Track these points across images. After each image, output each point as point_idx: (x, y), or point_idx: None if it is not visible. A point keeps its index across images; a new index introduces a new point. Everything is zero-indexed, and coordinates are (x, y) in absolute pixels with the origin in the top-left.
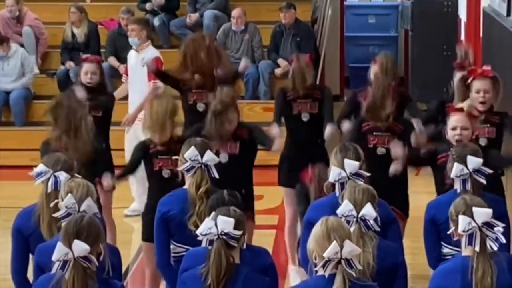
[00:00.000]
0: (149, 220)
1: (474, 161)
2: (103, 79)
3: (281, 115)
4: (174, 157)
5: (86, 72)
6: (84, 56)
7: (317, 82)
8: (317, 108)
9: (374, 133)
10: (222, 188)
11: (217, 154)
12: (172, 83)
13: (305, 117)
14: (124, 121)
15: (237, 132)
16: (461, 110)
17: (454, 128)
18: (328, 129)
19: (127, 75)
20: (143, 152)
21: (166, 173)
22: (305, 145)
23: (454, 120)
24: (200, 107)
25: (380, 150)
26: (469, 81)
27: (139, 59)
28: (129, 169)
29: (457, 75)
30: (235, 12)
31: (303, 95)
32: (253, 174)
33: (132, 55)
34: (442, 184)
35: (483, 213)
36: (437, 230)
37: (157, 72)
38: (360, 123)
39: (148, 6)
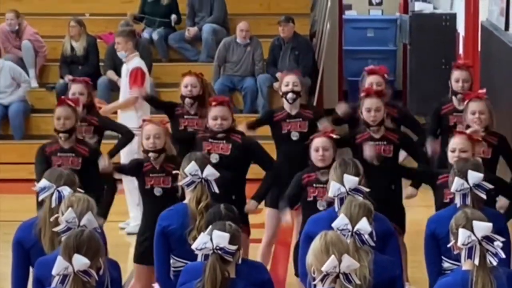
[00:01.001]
0: (139, 244)
1: (474, 176)
2: (91, 99)
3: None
4: (174, 172)
5: (74, 93)
6: (71, 77)
7: (315, 95)
8: (307, 127)
9: (370, 143)
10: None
11: (208, 154)
12: (164, 108)
13: (294, 136)
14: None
15: (231, 135)
16: (462, 132)
17: (453, 151)
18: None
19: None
20: (138, 168)
21: (158, 191)
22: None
23: (454, 142)
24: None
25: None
26: (464, 104)
27: (126, 70)
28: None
29: (455, 74)
30: (242, 25)
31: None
32: (245, 184)
33: (123, 68)
34: (441, 206)
35: (483, 227)
36: (437, 244)
37: (148, 98)
38: (355, 135)
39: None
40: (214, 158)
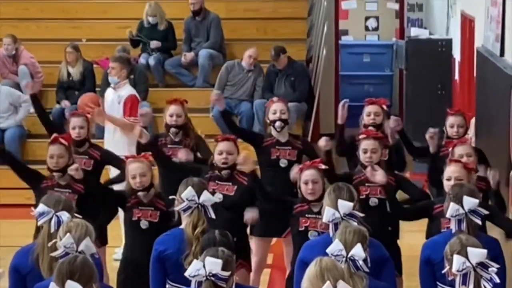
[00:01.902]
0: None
1: (470, 202)
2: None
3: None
4: (171, 197)
5: (74, 127)
6: (68, 103)
7: (312, 120)
8: (295, 156)
9: (367, 184)
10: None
11: (212, 193)
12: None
13: (283, 163)
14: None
15: (237, 176)
16: (458, 160)
17: (449, 179)
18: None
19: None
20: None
21: (144, 224)
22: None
23: (450, 170)
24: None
25: (373, 201)
26: (450, 149)
27: (116, 97)
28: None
29: (450, 119)
30: (251, 52)
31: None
32: (246, 224)
33: (109, 93)
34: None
35: (477, 254)
36: (432, 270)
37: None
38: (352, 175)
39: (152, 44)
40: (218, 197)
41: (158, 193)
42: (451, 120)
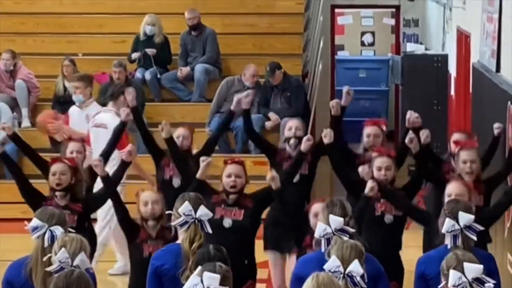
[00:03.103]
0: None
1: (465, 218)
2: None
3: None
4: (168, 212)
5: (72, 151)
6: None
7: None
8: (307, 170)
9: (382, 201)
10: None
11: (221, 219)
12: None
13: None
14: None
15: (242, 200)
16: (459, 179)
17: (449, 196)
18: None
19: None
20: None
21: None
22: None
23: (450, 187)
24: (176, 182)
25: (388, 218)
26: (455, 150)
27: (83, 116)
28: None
29: (462, 155)
30: (255, 71)
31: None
32: (255, 244)
33: (74, 111)
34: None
35: (474, 269)
36: (427, 285)
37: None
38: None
39: (133, 55)
40: (227, 223)
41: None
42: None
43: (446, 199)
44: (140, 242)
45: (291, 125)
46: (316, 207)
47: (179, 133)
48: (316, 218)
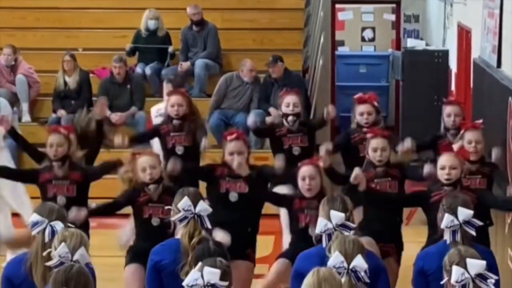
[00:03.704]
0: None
1: (464, 213)
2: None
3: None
4: (167, 207)
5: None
6: (64, 112)
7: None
8: (307, 141)
9: (376, 180)
10: (232, 226)
11: (226, 193)
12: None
13: (296, 151)
14: None
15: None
16: (451, 149)
17: (443, 168)
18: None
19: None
20: (134, 198)
21: (155, 221)
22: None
23: (443, 159)
24: (179, 150)
25: None
26: (461, 133)
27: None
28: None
29: (446, 109)
30: (252, 66)
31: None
32: (260, 215)
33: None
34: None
35: (476, 265)
36: (426, 280)
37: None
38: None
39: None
40: (234, 197)
41: (166, 187)
42: (448, 109)
43: (439, 172)
44: (140, 204)
45: (289, 101)
46: (303, 170)
47: (172, 102)
48: (303, 181)
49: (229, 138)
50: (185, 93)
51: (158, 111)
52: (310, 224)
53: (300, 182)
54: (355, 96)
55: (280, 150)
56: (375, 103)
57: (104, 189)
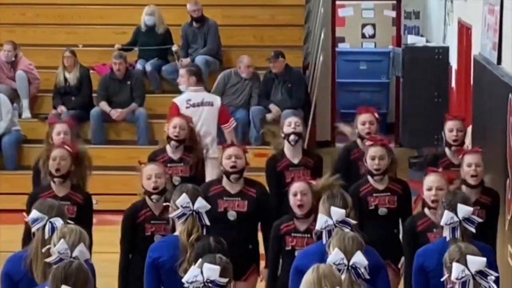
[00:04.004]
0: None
1: (464, 210)
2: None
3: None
4: (165, 204)
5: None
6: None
7: (308, 127)
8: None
9: (374, 195)
10: (231, 246)
11: (225, 212)
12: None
13: None
14: None
15: (245, 189)
16: (435, 170)
17: (429, 189)
18: None
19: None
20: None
21: (158, 238)
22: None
23: (429, 180)
24: (176, 181)
25: (382, 211)
26: (459, 157)
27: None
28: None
29: (448, 124)
30: (249, 62)
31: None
32: (258, 229)
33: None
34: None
35: (477, 262)
36: (426, 278)
37: None
38: (358, 187)
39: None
40: (232, 216)
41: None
42: (450, 124)
43: (426, 193)
44: (142, 221)
45: (290, 121)
46: (294, 186)
47: (175, 123)
48: (294, 197)
49: (225, 145)
50: (189, 121)
51: (188, 102)
52: (297, 247)
53: (291, 199)
54: (358, 108)
55: (281, 185)
56: (376, 115)
57: (121, 184)
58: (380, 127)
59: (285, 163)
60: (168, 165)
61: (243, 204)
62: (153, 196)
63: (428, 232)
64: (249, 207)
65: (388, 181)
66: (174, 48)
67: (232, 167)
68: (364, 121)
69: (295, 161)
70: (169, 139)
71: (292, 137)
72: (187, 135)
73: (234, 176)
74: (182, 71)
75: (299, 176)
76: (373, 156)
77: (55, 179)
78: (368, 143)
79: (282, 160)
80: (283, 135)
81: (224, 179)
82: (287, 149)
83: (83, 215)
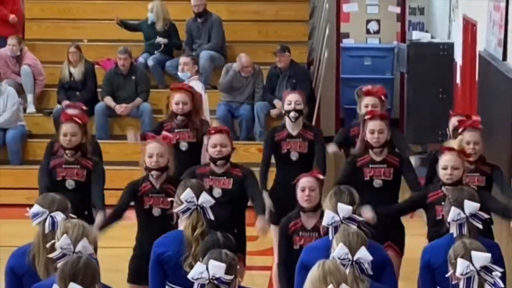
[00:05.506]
0: (136, 264)
1: (471, 206)
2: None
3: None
4: (169, 199)
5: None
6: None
7: (313, 123)
8: (306, 148)
9: (371, 166)
10: (214, 224)
11: (210, 190)
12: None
13: (294, 156)
14: None
15: (231, 169)
16: (452, 149)
17: (445, 168)
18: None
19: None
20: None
21: (156, 211)
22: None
23: (445, 159)
24: (183, 146)
25: (377, 183)
26: (459, 131)
27: None
28: (117, 214)
29: (452, 120)
30: (245, 62)
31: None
32: (245, 215)
33: None
34: (434, 224)
35: (482, 257)
36: (432, 274)
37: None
38: (355, 157)
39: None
40: (217, 192)
41: (170, 177)
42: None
43: (441, 172)
44: (141, 194)
45: (291, 99)
46: (303, 181)
47: (177, 99)
48: (302, 193)
49: (212, 131)
50: (190, 90)
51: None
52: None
53: (299, 193)
54: (364, 89)
55: (279, 155)
56: (382, 97)
57: (126, 179)
58: None
59: (284, 134)
60: (176, 130)
61: (228, 182)
62: (153, 172)
63: (437, 205)
64: (234, 185)
65: (386, 153)
66: (160, 40)
67: (218, 154)
68: (367, 103)
69: (294, 133)
70: (173, 114)
71: (292, 113)
72: (190, 107)
73: (220, 162)
74: (186, 59)
75: (295, 148)
76: (372, 130)
77: (67, 151)
78: (367, 117)
79: (282, 131)
80: (283, 111)
81: (211, 164)
82: (288, 123)
83: (94, 177)
